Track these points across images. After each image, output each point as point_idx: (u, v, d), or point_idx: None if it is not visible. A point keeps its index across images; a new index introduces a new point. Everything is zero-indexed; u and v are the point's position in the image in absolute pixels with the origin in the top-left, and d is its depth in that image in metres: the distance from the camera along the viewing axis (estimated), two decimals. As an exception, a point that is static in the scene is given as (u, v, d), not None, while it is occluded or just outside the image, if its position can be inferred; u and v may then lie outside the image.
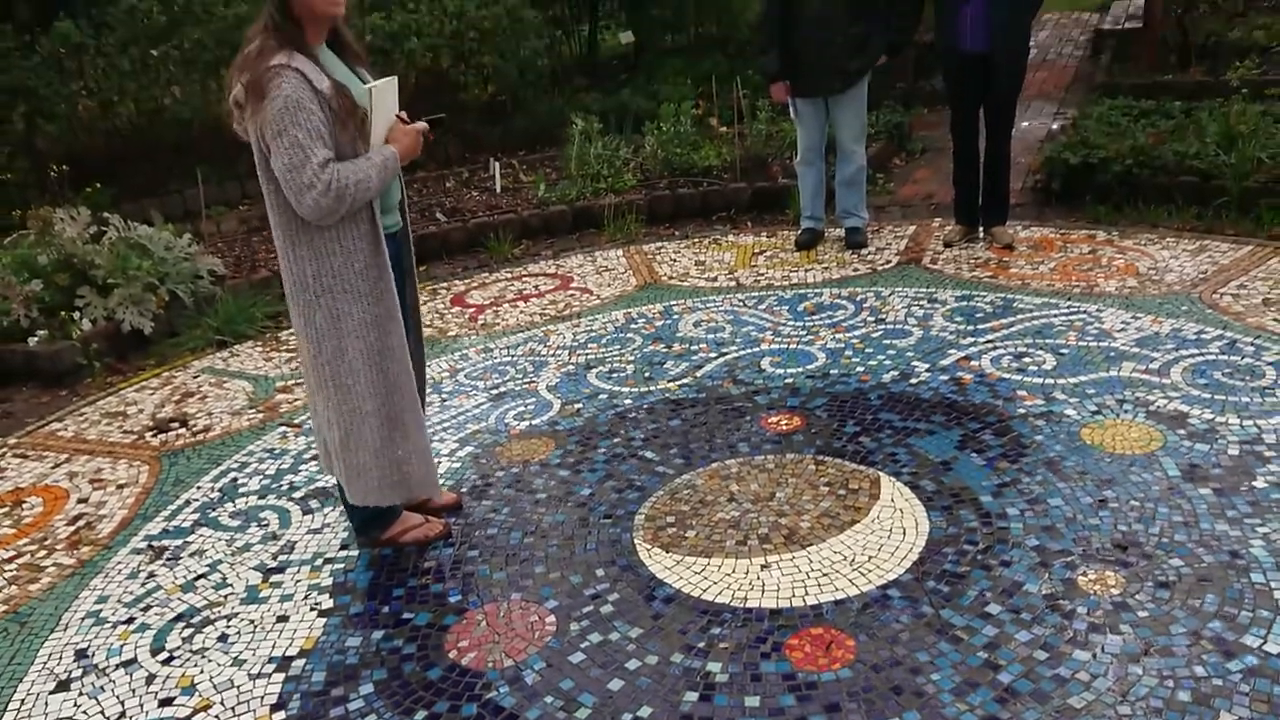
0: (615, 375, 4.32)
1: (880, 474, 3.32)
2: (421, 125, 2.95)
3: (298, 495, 3.61)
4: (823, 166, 5.68)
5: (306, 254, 2.79)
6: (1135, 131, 6.25)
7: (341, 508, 3.32)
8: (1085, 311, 4.45)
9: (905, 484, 3.25)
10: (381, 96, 2.84)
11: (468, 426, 4.00)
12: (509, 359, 4.63)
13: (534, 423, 3.97)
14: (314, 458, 3.78)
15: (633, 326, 4.86)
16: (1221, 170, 5.49)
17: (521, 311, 5.24)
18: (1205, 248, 5.06)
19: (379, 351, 2.91)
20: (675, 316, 4.92)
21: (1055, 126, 7.62)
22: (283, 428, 4.18)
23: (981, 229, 5.52)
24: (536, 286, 5.60)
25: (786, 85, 5.42)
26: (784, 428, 3.70)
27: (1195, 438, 3.35)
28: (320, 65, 2.76)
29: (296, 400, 4.40)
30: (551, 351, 4.66)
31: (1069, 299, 4.61)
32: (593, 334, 4.82)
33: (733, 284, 5.29)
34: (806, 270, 5.39)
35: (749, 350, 4.43)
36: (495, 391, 4.30)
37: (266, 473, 3.80)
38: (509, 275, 5.87)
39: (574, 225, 6.52)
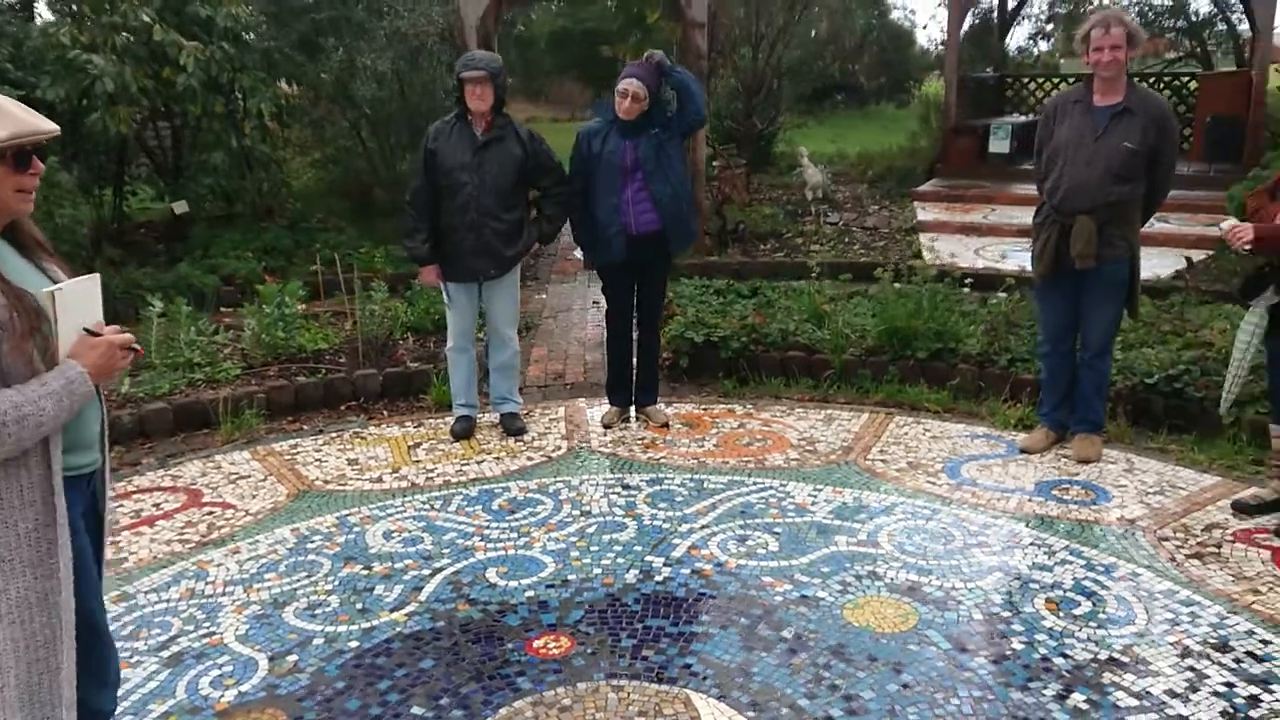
0: (320, 611, 3.64)
1: (688, 692, 3.09)
2: (121, 339, 2.26)
3: None
4: (473, 352, 5.45)
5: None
6: (731, 310, 6.85)
7: None
8: (772, 486, 4.65)
9: (716, 699, 3.06)
10: (73, 300, 2.17)
11: (150, 709, 3.09)
12: (164, 605, 3.71)
13: (243, 690, 3.18)
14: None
15: (310, 546, 4.17)
16: (821, 345, 6.17)
17: (152, 540, 4.27)
18: (832, 417, 5.59)
19: (41, 642, 2.15)
20: (356, 529, 4.31)
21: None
22: None
23: (634, 409, 5.62)
24: (157, 505, 4.62)
25: (438, 269, 5.17)
26: (555, 652, 3.34)
27: (940, 606, 3.57)
28: (-6, 263, 2.07)
29: None
30: (220, 589, 3.82)
31: (750, 475, 4.80)
32: (263, 561, 4.05)
33: (405, 484, 4.80)
34: (478, 462, 5.06)
35: (466, 562, 3.99)
36: (166, 653, 3.39)
37: None
38: (111, 493, 4.78)
39: (176, 425, 5.55)
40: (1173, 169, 4.74)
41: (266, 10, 9.38)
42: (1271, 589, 3.67)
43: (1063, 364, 4.94)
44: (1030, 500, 4.47)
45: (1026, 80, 15.40)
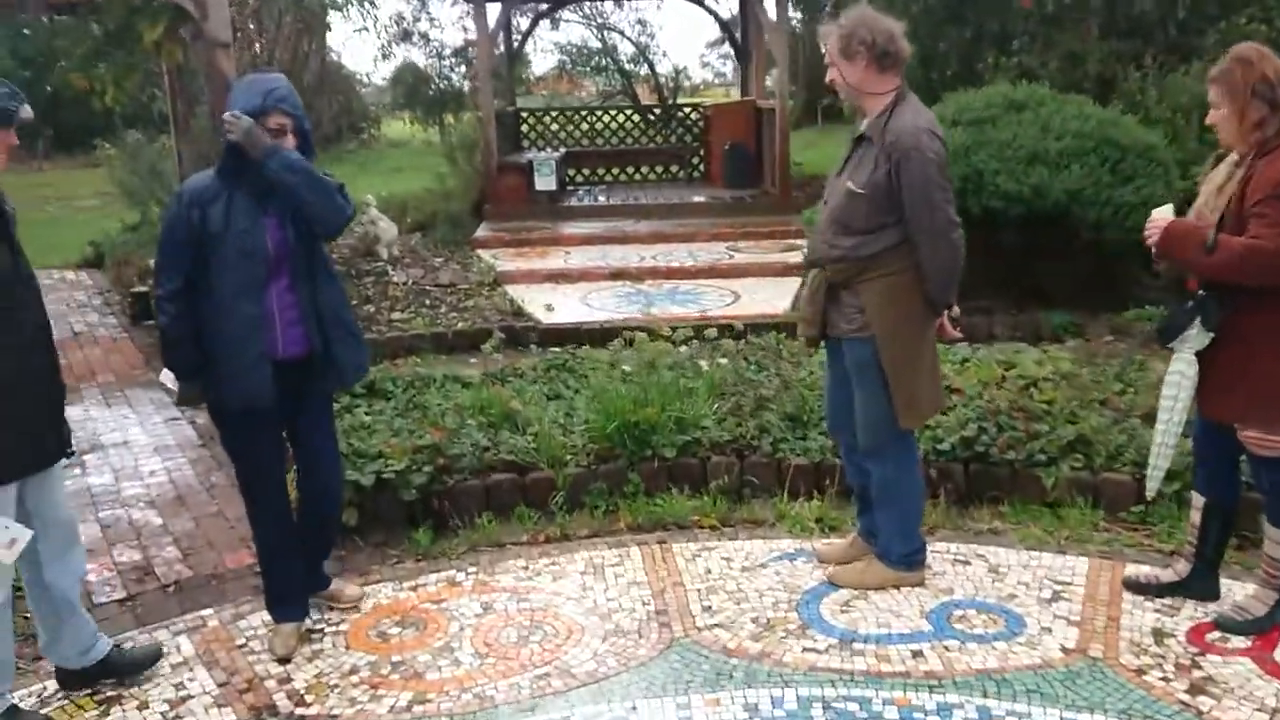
0: None
1: None
2: None
3: None
4: (10, 591, 3.06)
5: None
6: (375, 427, 4.94)
7: None
8: (618, 717, 3.00)
9: None
10: None
11: None
12: None
13: None
14: None
15: None
16: (533, 459, 4.56)
17: None
18: (595, 562, 4.01)
19: None
20: None
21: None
22: None
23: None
24: None
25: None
26: None
27: None
28: None
29: None
30: None
31: (570, 701, 3.09)
32: None
33: None
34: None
35: None
36: None
37: None
38: None
39: None
40: (927, 216, 3.31)
41: None
42: (1321, 721, 2.89)
43: (849, 454, 3.87)
44: (945, 648, 3.32)
45: (542, 114, 14.81)
